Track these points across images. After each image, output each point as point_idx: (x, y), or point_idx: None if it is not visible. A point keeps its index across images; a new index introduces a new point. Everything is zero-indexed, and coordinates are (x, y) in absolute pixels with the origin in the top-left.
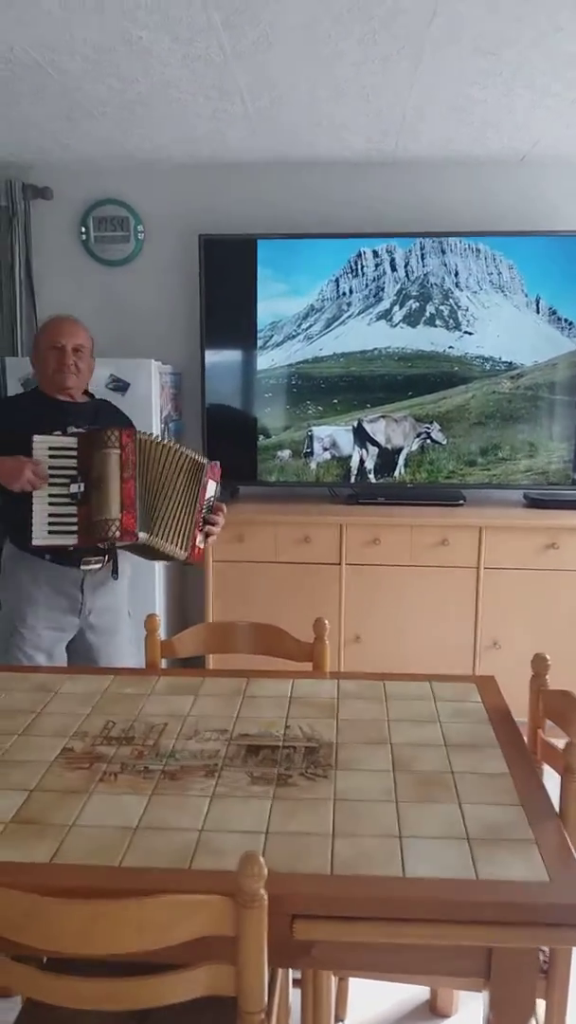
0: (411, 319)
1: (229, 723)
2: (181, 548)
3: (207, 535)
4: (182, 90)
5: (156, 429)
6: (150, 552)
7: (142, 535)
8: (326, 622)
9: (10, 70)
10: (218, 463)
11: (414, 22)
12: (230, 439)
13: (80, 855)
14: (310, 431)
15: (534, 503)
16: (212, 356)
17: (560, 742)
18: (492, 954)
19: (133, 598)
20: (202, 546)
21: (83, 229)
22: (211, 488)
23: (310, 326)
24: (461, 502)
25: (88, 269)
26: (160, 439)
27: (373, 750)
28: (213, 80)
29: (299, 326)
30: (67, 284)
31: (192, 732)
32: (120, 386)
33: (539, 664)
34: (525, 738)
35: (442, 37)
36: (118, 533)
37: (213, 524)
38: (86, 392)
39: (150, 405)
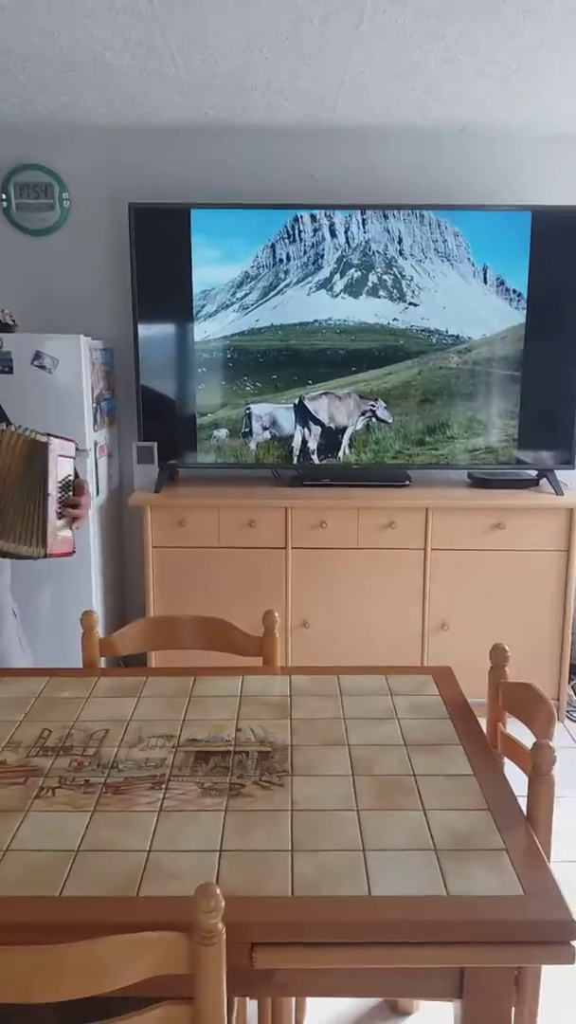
0: (353, 289)
1: (175, 727)
2: (33, 545)
3: (72, 521)
4: (108, 46)
5: (88, 409)
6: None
7: (19, 548)
8: (276, 614)
9: None
10: (70, 439)
11: None
12: (167, 418)
13: (17, 885)
14: (248, 409)
15: (478, 483)
16: (146, 330)
17: (517, 733)
18: (464, 972)
19: (64, 590)
20: (67, 535)
21: (3, 196)
22: (63, 468)
23: (245, 295)
24: (407, 483)
25: (9, 239)
26: (21, 430)
27: (330, 753)
28: (140, 36)
29: (233, 295)
30: None
31: (136, 739)
32: (47, 364)
33: (498, 655)
34: (483, 728)
35: None
36: None
37: (75, 507)
38: None
39: (81, 384)
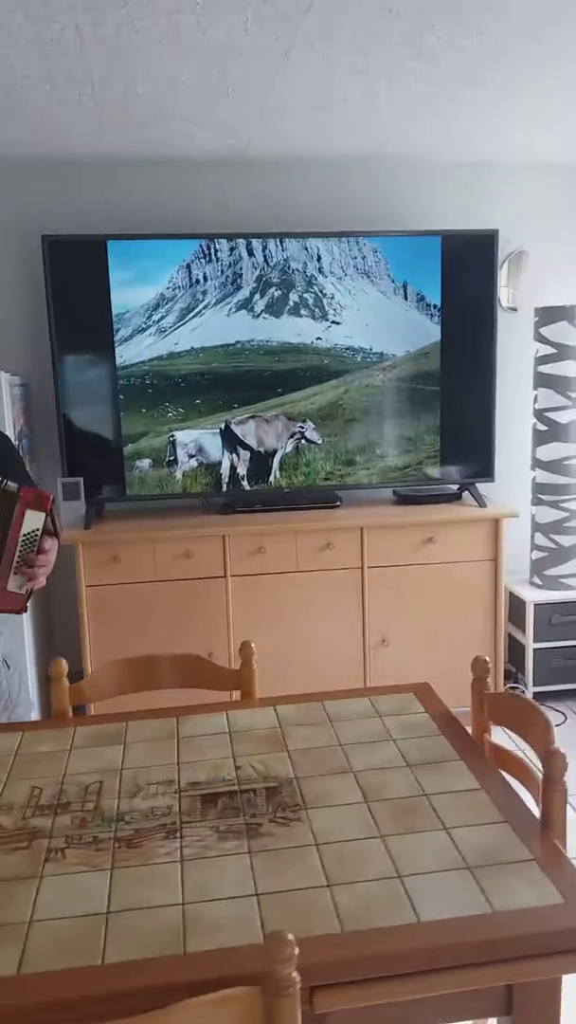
0: (274, 308)
1: (172, 772)
2: None
3: (29, 580)
4: (27, 75)
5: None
6: None
7: None
8: (252, 645)
9: None
10: (46, 493)
11: (292, 11)
12: (90, 452)
13: (52, 958)
14: (172, 436)
15: (404, 499)
16: (64, 363)
17: (502, 743)
18: (513, 987)
19: None
20: (13, 590)
21: None
22: (30, 521)
23: (162, 317)
24: (338, 503)
25: None
26: None
27: (337, 781)
28: (64, 67)
29: (149, 318)
30: None
31: (134, 788)
32: None
33: (480, 667)
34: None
35: (315, 30)
36: None
37: (32, 566)
38: None
39: (3, 422)
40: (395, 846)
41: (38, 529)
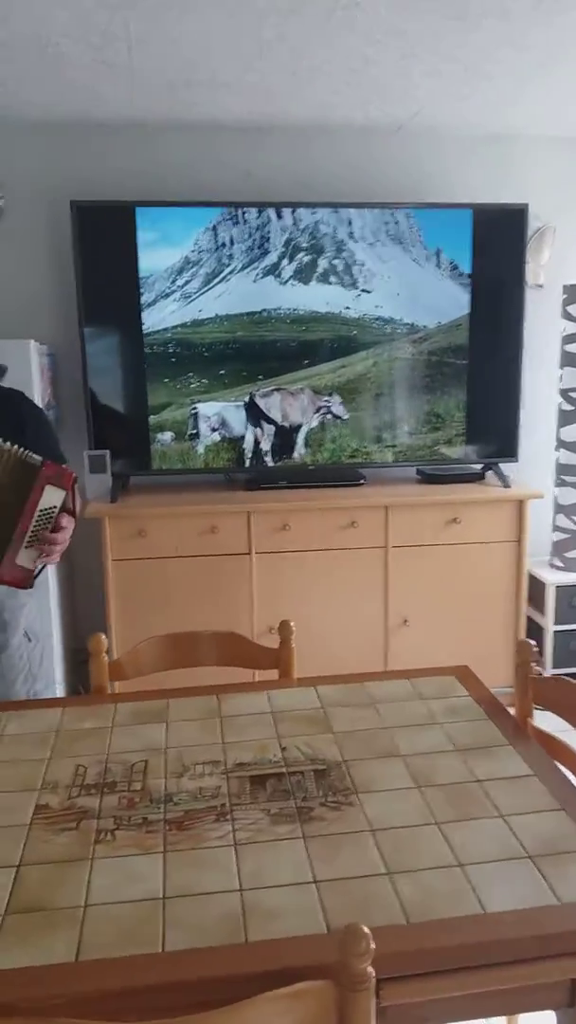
0: (302, 275)
1: (218, 751)
2: None
3: (40, 555)
4: (65, 33)
5: None
6: None
7: None
8: (292, 624)
9: None
10: (70, 471)
11: None
12: (115, 424)
13: (112, 945)
14: (194, 409)
15: (428, 478)
16: (91, 333)
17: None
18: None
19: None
20: (22, 564)
21: None
22: (49, 497)
23: (186, 282)
24: (362, 481)
25: None
26: (15, 449)
27: (386, 765)
28: (101, 24)
29: (173, 282)
30: None
31: (180, 768)
32: None
33: (524, 651)
34: None
35: None
36: None
37: (50, 543)
38: None
39: (32, 392)
40: (452, 834)
41: (56, 506)
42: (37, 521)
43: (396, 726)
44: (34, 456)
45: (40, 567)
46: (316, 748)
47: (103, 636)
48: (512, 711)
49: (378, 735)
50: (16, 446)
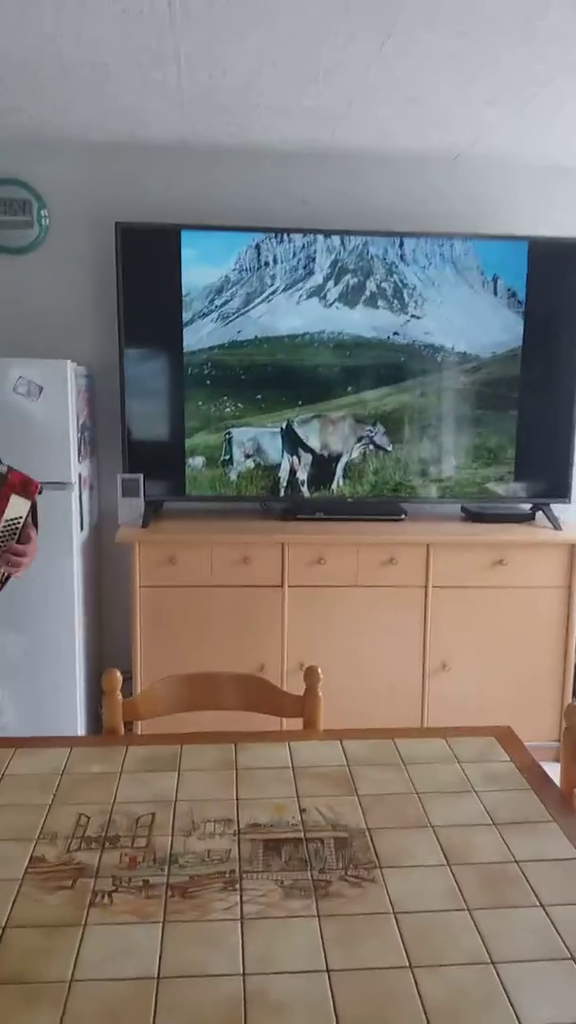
0: (348, 298)
1: (231, 809)
2: None
3: (6, 567)
4: (113, 53)
5: (73, 440)
6: None
7: None
8: (319, 671)
9: None
10: (34, 480)
11: None
12: (151, 449)
13: None
14: (228, 434)
15: (473, 516)
16: (131, 355)
17: None
18: None
19: (43, 635)
20: None
21: None
22: (15, 507)
23: (225, 302)
24: (403, 516)
25: None
26: None
27: (414, 837)
28: (150, 42)
29: (211, 302)
30: None
31: (189, 825)
32: (30, 392)
33: (573, 715)
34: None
35: (420, 11)
36: None
37: (16, 555)
38: None
39: (66, 413)
40: (485, 923)
41: (21, 517)
42: (2, 532)
43: (428, 792)
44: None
45: (4, 578)
46: (338, 812)
47: (118, 673)
48: (557, 775)
49: (407, 801)
50: None
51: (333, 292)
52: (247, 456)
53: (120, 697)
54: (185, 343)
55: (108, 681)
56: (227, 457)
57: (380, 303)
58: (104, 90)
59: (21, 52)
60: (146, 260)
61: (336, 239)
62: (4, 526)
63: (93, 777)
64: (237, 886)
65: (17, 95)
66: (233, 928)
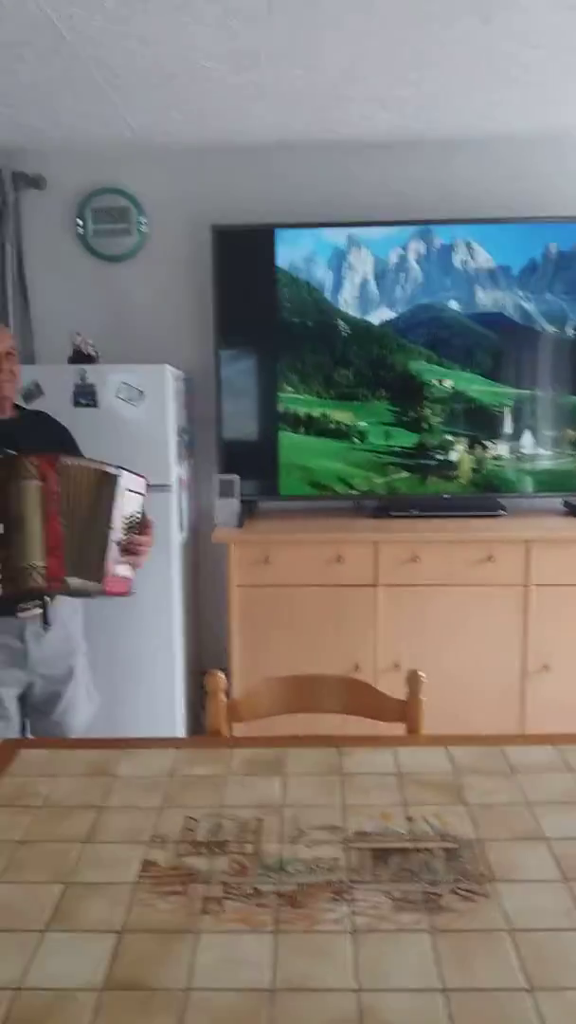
0: (448, 291)
1: (337, 815)
2: (90, 581)
3: (134, 560)
4: (209, 54)
5: (172, 442)
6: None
7: (73, 581)
8: (421, 675)
9: (18, 31)
10: (141, 475)
11: None
12: (246, 449)
13: None
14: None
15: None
16: (226, 357)
17: None
18: None
19: (142, 633)
20: (125, 574)
21: (79, 222)
22: (130, 504)
23: (318, 298)
24: (501, 512)
25: (85, 265)
26: (85, 461)
27: (528, 850)
28: (247, 43)
29: (304, 298)
30: (62, 282)
31: (296, 832)
32: (132, 396)
33: None
34: None
35: None
36: (43, 582)
37: (138, 545)
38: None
39: (165, 416)
40: None
41: (138, 512)
42: (127, 530)
43: (540, 802)
44: (110, 466)
45: (134, 573)
46: (446, 822)
47: (221, 675)
48: None
49: (519, 812)
50: (93, 460)
51: (429, 284)
52: None
53: (224, 698)
54: (279, 341)
55: (212, 682)
56: None
57: (481, 294)
58: (199, 94)
59: (119, 57)
60: (242, 261)
61: (431, 228)
62: (125, 523)
63: (199, 780)
64: (346, 896)
65: (117, 105)
66: (343, 940)
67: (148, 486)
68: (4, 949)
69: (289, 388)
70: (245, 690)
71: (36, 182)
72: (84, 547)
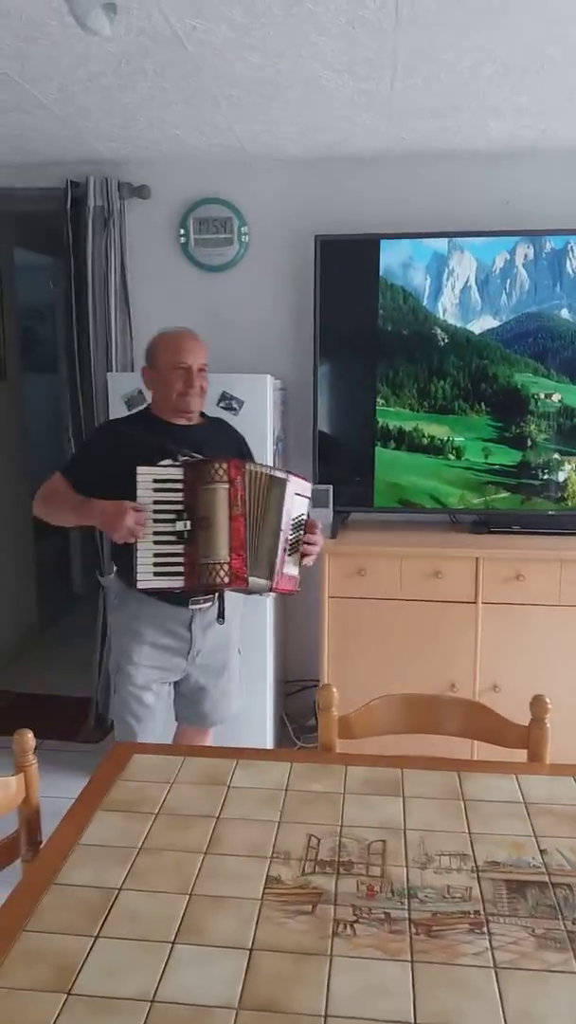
0: (551, 302)
1: (465, 843)
2: (261, 579)
3: (303, 558)
4: (329, 66)
5: (269, 451)
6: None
7: (252, 579)
8: (547, 701)
9: (140, 43)
10: (306, 479)
11: None
12: (341, 460)
13: None
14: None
15: None
16: (324, 368)
17: None
18: None
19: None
20: (293, 572)
21: (182, 231)
22: (298, 506)
23: (420, 310)
24: None
25: (186, 275)
26: (265, 467)
27: None
28: (369, 53)
29: (406, 310)
30: (163, 292)
31: (423, 857)
32: (233, 405)
33: None
34: None
35: None
36: (227, 579)
37: (310, 544)
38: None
39: (265, 425)
40: None
41: (305, 514)
42: (294, 530)
43: None
44: (279, 472)
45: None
46: None
47: (333, 689)
48: None
49: None
50: (265, 465)
51: (538, 291)
52: None
53: (336, 713)
54: (376, 351)
55: (324, 697)
56: None
57: None
58: (313, 105)
59: (239, 71)
60: (345, 272)
61: (540, 239)
62: (294, 524)
63: (317, 796)
64: (484, 930)
65: (227, 116)
66: (487, 976)
67: (313, 489)
68: (136, 959)
69: (380, 400)
70: (360, 707)
71: (141, 192)
72: (260, 547)
